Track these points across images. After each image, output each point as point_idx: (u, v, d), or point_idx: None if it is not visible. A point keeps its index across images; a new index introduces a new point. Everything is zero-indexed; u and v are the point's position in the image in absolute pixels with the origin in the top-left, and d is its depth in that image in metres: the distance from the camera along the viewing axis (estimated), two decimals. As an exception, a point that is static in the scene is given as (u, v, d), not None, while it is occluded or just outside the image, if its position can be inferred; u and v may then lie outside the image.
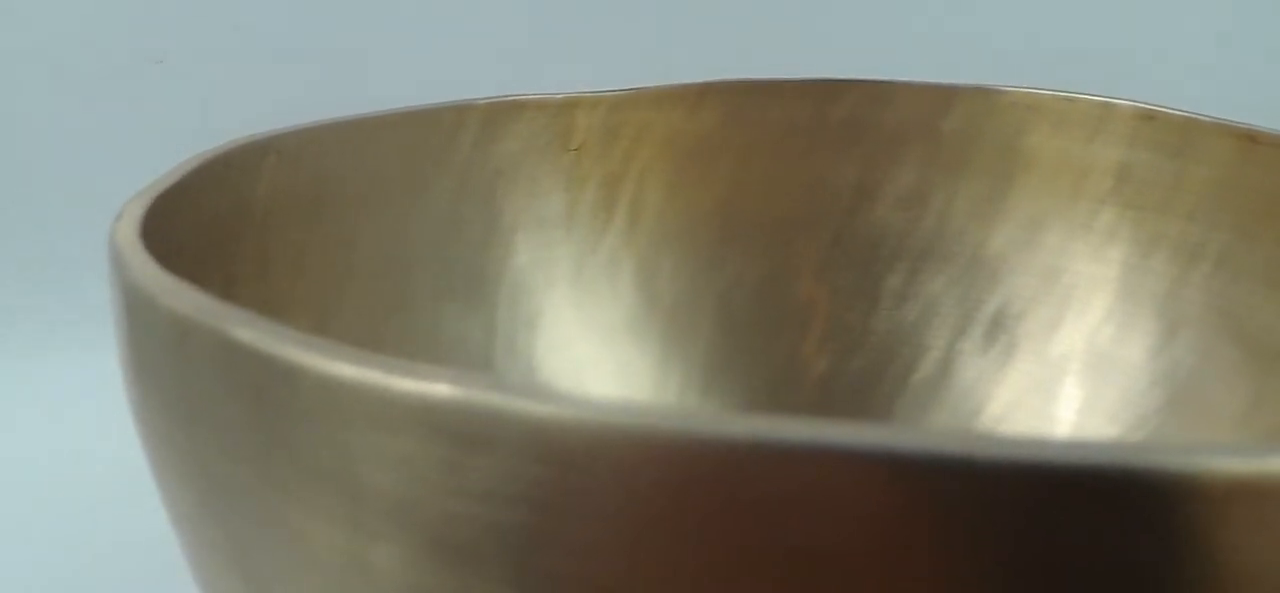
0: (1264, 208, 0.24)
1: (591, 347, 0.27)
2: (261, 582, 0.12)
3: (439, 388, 0.09)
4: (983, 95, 0.27)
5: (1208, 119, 0.25)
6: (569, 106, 0.27)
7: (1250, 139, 0.24)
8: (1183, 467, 0.09)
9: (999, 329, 0.27)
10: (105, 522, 0.27)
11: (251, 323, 0.11)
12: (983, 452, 0.09)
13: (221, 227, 0.21)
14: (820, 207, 0.28)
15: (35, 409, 0.33)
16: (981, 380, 0.27)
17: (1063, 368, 0.26)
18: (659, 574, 0.09)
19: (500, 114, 0.26)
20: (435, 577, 0.10)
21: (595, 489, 0.09)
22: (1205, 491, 0.09)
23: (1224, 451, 0.09)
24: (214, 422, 0.12)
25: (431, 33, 0.38)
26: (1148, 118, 0.26)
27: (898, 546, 0.09)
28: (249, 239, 0.22)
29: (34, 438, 0.32)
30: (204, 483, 0.13)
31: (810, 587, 0.09)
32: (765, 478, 0.08)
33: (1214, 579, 0.09)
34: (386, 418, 0.10)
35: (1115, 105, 0.26)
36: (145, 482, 0.17)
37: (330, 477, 0.10)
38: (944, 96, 0.27)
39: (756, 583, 0.09)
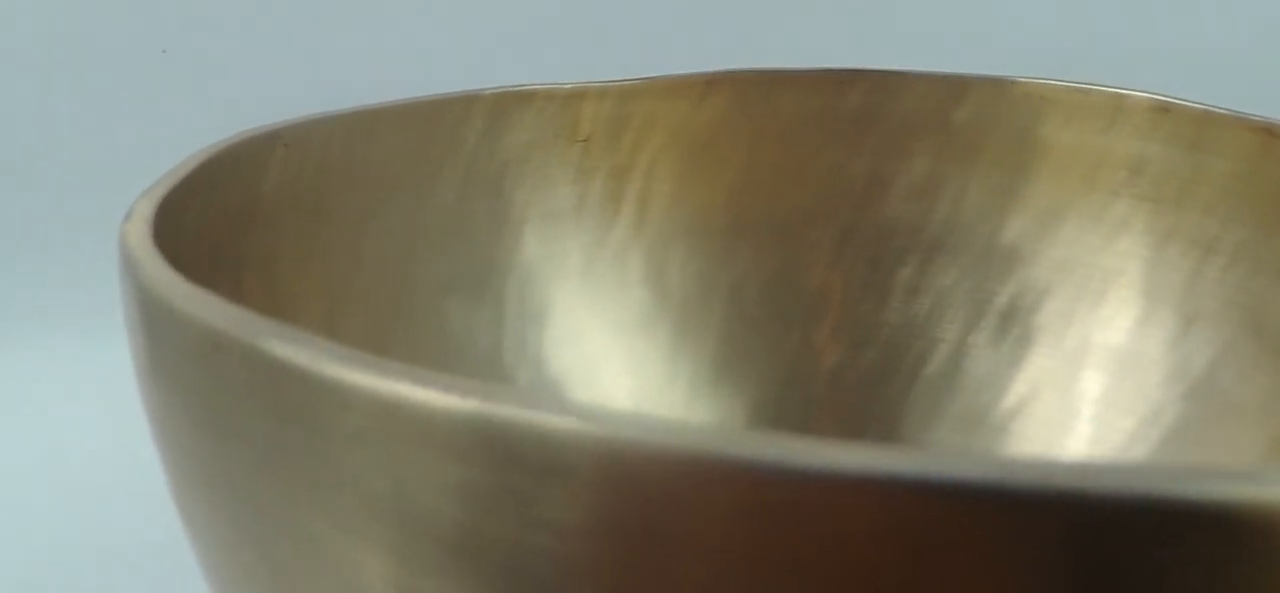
0: (1282, 202, 0.24)
1: (601, 340, 0.26)
2: (300, 607, 0.11)
3: (506, 410, 0.09)
4: (996, 86, 0.27)
5: (1225, 112, 0.25)
6: (577, 97, 0.26)
7: (1269, 133, 0.24)
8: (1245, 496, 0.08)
9: (1011, 322, 0.27)
10: (114, 519, 0.27)
11: (290, 338, 0.11)
12: (1065, 482, 0.08)
13: (230, 221, 0.20)
14: (831, 198, 0.28)
15: (42, 401, 0.33)
16: (994, 374, 0.27)
17: (1077, 361, 0.26)
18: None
19: (508, 104, 0.26)
20: (500, 613, 0.09)
21: (678, 520, 0.08)
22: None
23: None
24: (248, 440, 0.12)
25: (437, 23, 0.38)
26: (1163, 110, 0.26)
27: (991, 581, 0.08)
28: (257, 233, 0.21)
29: (43, 431, 0.31)
30: (235, 503, 0.12)
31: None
32: (867, 511, 0.08)
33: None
34: (449, 442, 0.09)
35: (1130, 97, 0.26)
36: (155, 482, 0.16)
37: (382, 503, 0.10)
38: (956, 87, 0.27)
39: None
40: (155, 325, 0.13)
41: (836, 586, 0.08)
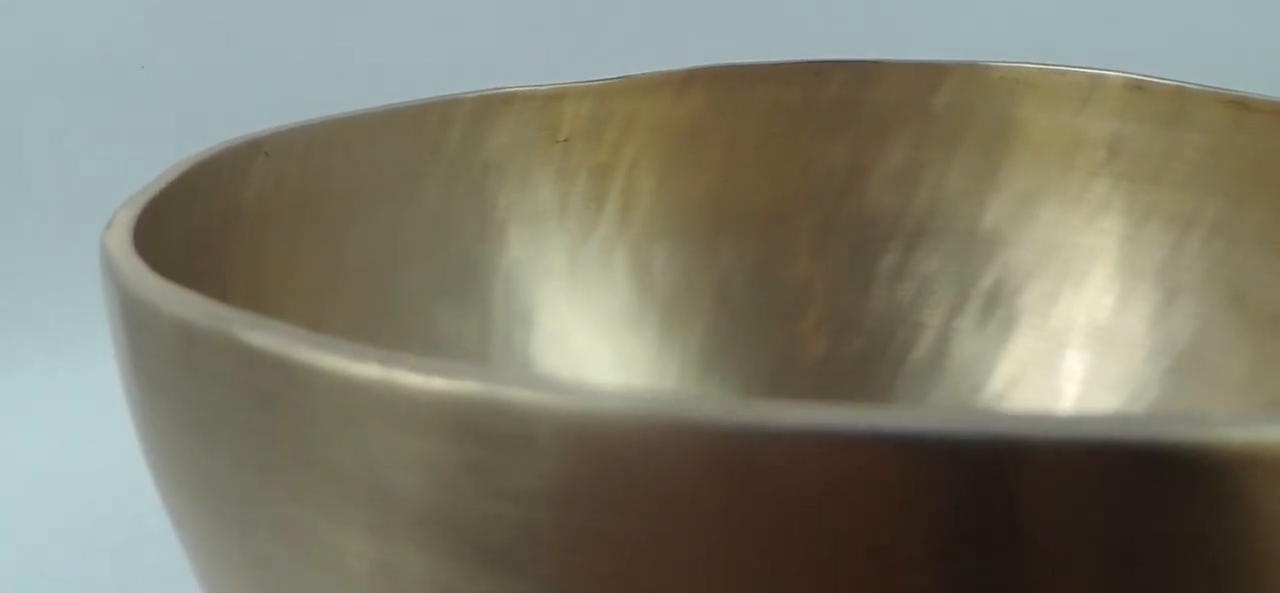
0: (1257, 174, 0.24)
1: (588, 339, 0.26)
2: (280, 595, 0.12)
3: (467, 386, 0.09)
4: (972, 71, 0.27)
5: (1198, 87, 0.25)
6: (557, 97, 0.27)
7: (1241, 106, 0.24)
8: (1234, 439, 0.09)
9: (995, 305, 0.27)
10: (104, 531, 0.27)
11: (263, 326, 0.11)
12: (1026, 431, 0.08)
13: (212, 231, 0.20)
14: (813, 189, 0.28)
15: (26, 418, 0.33)
16: (980, 357, 0.27)
17: (1061, 341, 0.26)
18: (705, 570, 0.09)
19: (488, 108, 0.26)
20: (469, 582, 0.10)
21: (636, 485, 0.09)
22: (1260, 462, 0.09)
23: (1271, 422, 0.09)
24: (226, 431, 0.12)
25: (415, 29, 0.38)
26: (1137, 88, 0.26)
27: (948, 530, 0.09)
28: (239, 243, 0.21)
29: (28, 447, 0.31)
30: (216, 496, 0.12)
31: (864, 580, 0.09)
32: (816, 467, 0.08)
33: (1264, 554, 0.09)
34: (413, 420, 0.09)
35: (1105, 77, 0.26)
36: (143, 491, 0.17)
37: (355, 483, 0.10)
38: (933, 73, 0.27)
39: (808, 577, 0.08)
40: (135, 326, 0.14)
41: (799, 545, 0.09)
